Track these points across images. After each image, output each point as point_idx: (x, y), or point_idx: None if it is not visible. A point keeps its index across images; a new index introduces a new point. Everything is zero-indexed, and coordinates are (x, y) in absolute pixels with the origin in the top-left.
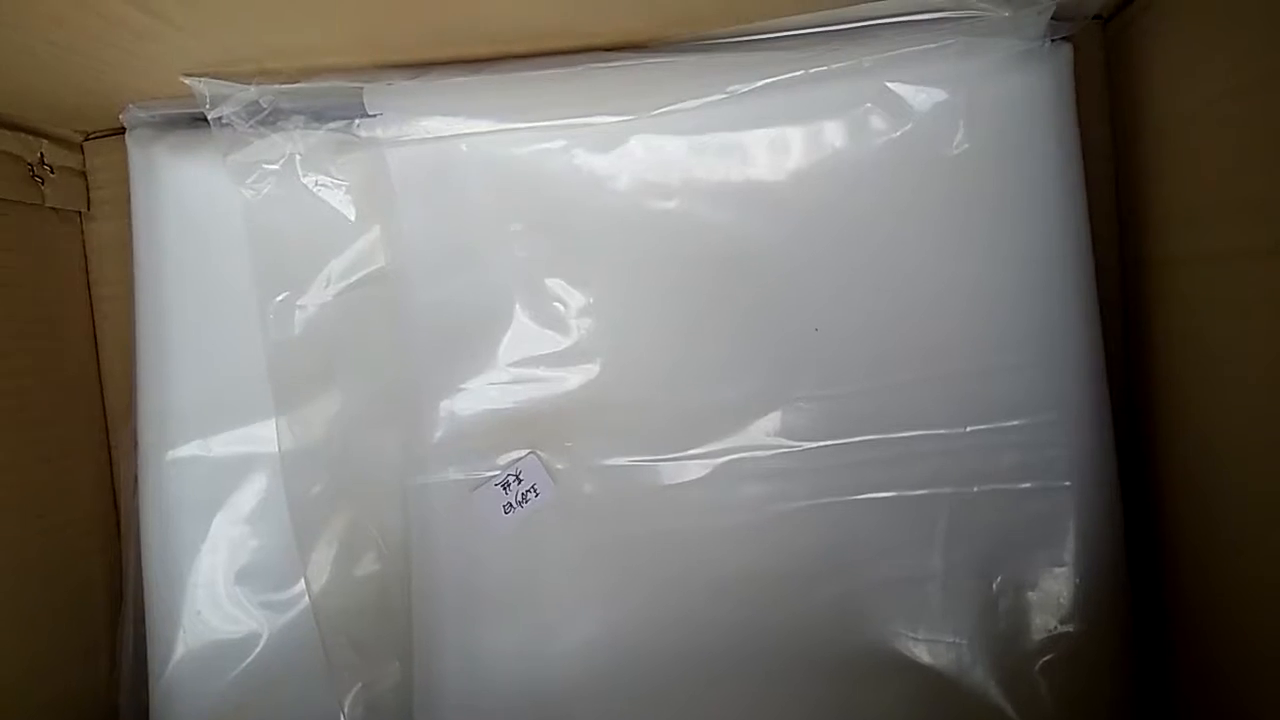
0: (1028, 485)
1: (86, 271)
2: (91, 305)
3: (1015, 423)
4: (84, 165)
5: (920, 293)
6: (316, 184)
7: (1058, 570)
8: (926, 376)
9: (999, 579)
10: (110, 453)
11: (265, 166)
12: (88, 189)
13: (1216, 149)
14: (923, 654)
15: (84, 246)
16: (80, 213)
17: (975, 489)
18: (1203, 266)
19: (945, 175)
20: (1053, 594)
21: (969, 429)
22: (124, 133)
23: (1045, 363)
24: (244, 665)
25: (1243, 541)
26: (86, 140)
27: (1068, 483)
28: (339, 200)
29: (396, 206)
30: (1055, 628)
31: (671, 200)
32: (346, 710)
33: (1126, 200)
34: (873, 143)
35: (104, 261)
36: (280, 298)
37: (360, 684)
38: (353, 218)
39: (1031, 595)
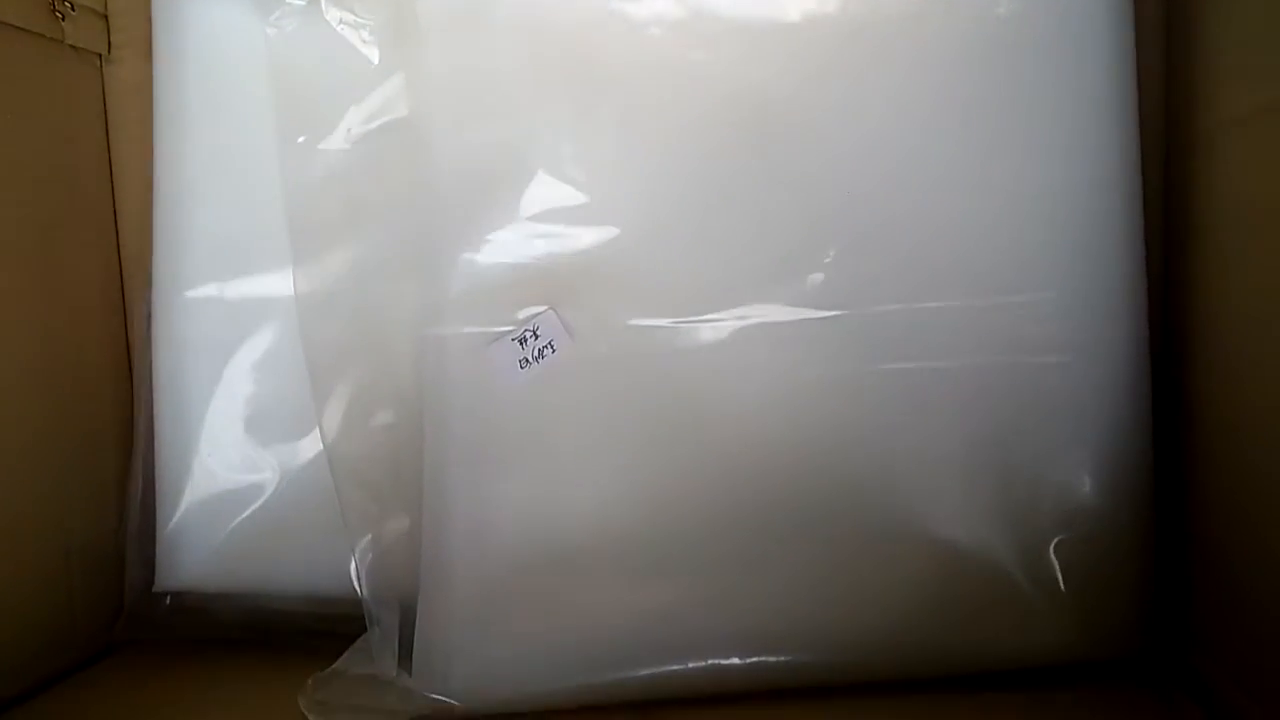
0: (1052, 359)
1: (105, 116)
2: (109, 150)
3: (1043, 295)
4: (105, 7)
5: (952, 159)
6: (341, 22)
7: (1079, 448)
8: (953, 245)
9: (1018, 455)
10: (124, 297)
11: (289, 1)
12: (109, 31)
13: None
14: (938, 527)
15: (104, 90)
16: (100, 55)
17: (998, 361)
18: (1252, 124)
19: (988, 38)
20: (1073, 472)
21: (994, 300)
22: None
23: (1077, 234)
24: (251, 511)
25: (1272, 414)
26: None
27: (1094, 358)
28: (363, 41)
29: (422, 49)
30: (1073, 507)
31: (705, 50)
32: (356, 557)
33: (1175, 68)
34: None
35: (123, 106)
36: (300, 139)
37: (371, 533)
38: (377, 61)
39: (1051, 473)
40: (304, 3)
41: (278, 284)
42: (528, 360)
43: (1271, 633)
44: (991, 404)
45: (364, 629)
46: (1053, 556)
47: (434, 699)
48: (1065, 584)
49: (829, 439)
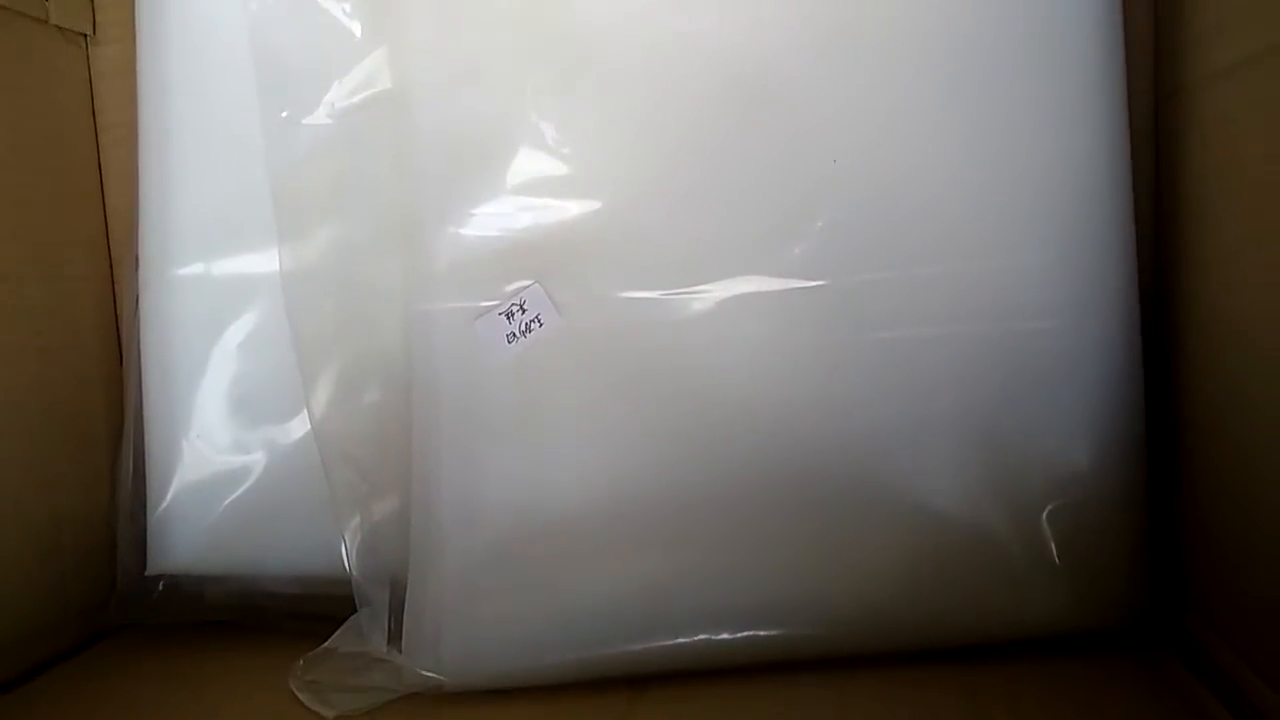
0: (1043, 324)
1: (91, 98)
2: (96, 132)
3: (1033, 260)
4: None
5: (940, 125)
6: None
7: (1070, 415)
8: (941, 213)
9: (1010, 421)
10: (112, 277)
11: None
12: (94, 11)
13: None
14: (930, 497)
15: (89, 71)
16: (85, 36)
17: (988, 328)
18: (1238, 74)
19: (980, 4)
20: (1064, 439)
21: (983, 266)
22: None
23: (1066, 199)
24: (241, 492)
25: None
26: None
27: (1084, 323)
28: (345, 14)
29: (406, 19)
30: (1065, 473)
31: (691, 19)
32: (346, 537)
33: (1163, 29)
34: None
35: (109, 89)
36: (284, 114)
37: (360, 512)
38: (359, 34)
39: (1042, 439)
40: None
41: (264, 262)
42: (515, 334)
43: (1265, 595)
44: (982, 371)
45: (355, 609)
46: (1045, 524)
47: (425, 675)
48: (1059, 553)
49: (819, 409)
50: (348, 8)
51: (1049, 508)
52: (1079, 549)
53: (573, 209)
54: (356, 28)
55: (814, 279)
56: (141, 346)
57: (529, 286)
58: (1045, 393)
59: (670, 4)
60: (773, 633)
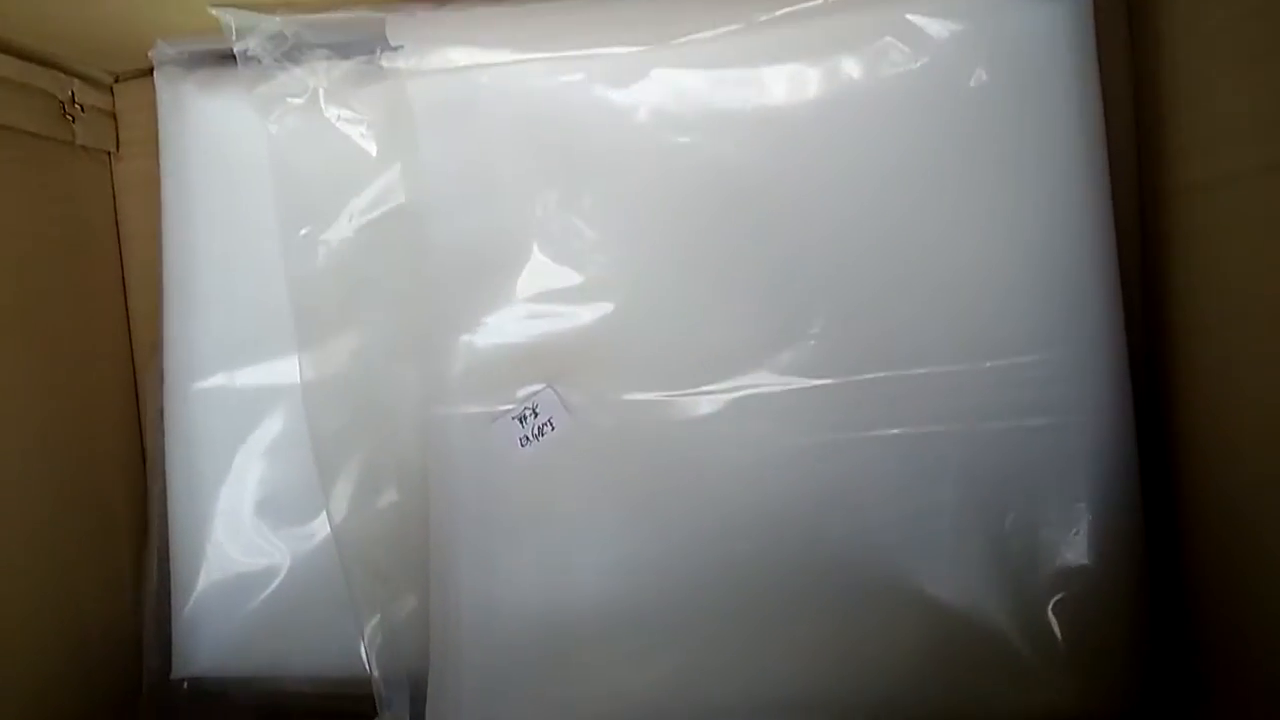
0: (1040, 422)
1: (115, 211)
2: (120, 245)
3: (1028, 359)
4: (114, 107)
5: (935, 227)
6: (339, 118)
7: (1071, 508)
8: (940, 312)
9: (1011, 516)
10: (136, 389)
11: (289, 100)
12: (117, 130)
13: (1234, 71)
14: (934, 591)
15: (113, 187)
16: (109, 153)
17: (988, 425)
18: (1221, 188)
19: (963, 109)
20: (1066, 532)
21: (981, 365)
22: (152, 74)
23: (1059, 298)
24: (264, 596)
25: (1267, 474)
26: (116, 82)
27: (1082, 419)
28: (361, 135)
29: (417, 138)
30: (1068, 565)
31: (689, 133)
32: (366, 638)
33: (1146, 129)
34: (891, 75)
35: (132, 202)
36: (303, 232)
37: (380, 613)
38: (374, 153)
39: (1044, 533)
40: (303, 101)
41: (285, 372)
42: (528, 438)
43: (1270, 684)
44: (983, 467)
45: (377, 710)
46: (1050, 616)
47: None
48: (1064, 644)
49: (824, 505)
50: (363, 129)
51: (1053, 600)
52: (1083, 640)
53: (582, 316)
54: (372, 147)
55: (816, 378)
56: (166, 454)
57: (541, 390)
58: (1045, 488)
59: (671, 122)
60: None
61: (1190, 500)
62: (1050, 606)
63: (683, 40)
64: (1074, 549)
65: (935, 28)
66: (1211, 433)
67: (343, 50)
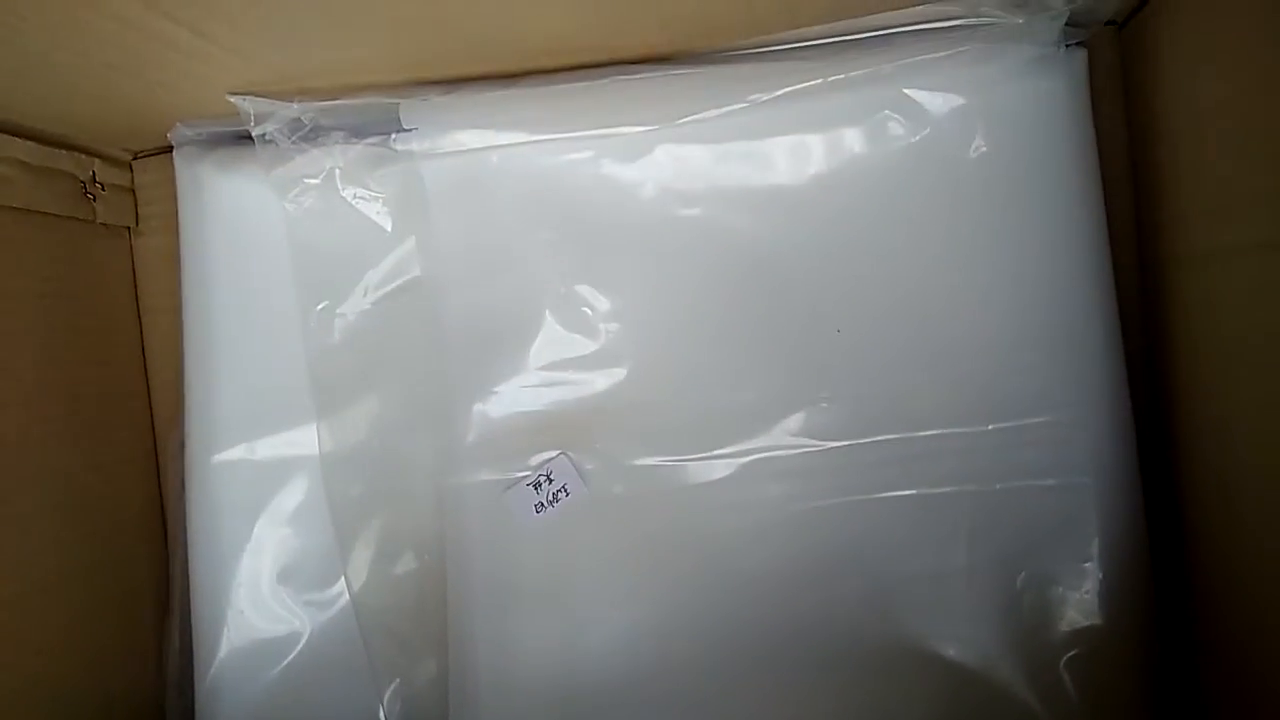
0: (1050, 482)
1: (135, 285)
2: (140, 317)
3: (1036, 420)
4: (133, 183)
5: (940, 294)
6: (355, 197)
7: (1081, 566)
8: (948, 376)
9: (1022, 576)
10: (157, 460)
11: (306, 181)
12: (136, 205)
13: (1230, 146)
14: (948, 651)
15: (133, 261)
16: (129, 228)
17: (997, 486)
18: (1219, 260)
19: (963, 179)
20: (1077, 590)
21: (990, 427)
22: (171, 151)
23: (1065, 361)
24: (286, 663)
25: (1267, 537)
26: (135, 159)
27: (1090, 479)
28: (376, 212)
29: (430, 216)
30: (1079, 624)
31: (695, 207)
32: (385, 705)
33: (1144, 200)
34: (891, 148)
35: (152, 275)
36: (320, 306)
37: (399, 679)
38: (389, 229)
39: (1055, 591)
40: (319, 181)
41: (303, 442)
42: (543, 504)
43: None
44: (994, 526)
45: None
46: (1063, 673)
47: None
48: (1077, 700)
49: (837, 567)
50: (378, 206)
51: (1065, 658)
52: (1096, 697)
53: (595, 383)
54: (387, 223)
55: (828, 441)
56: (188, 524)
57: (555, 457)
58: (1055, 547)
59: (677, 196)
60: None
61: (1197, 554)
62: (1063, 664)
63: (686, 120)
64: (1085, 607)
65: (934, 101)
66: (1216, 490)
67: (357, 132)
